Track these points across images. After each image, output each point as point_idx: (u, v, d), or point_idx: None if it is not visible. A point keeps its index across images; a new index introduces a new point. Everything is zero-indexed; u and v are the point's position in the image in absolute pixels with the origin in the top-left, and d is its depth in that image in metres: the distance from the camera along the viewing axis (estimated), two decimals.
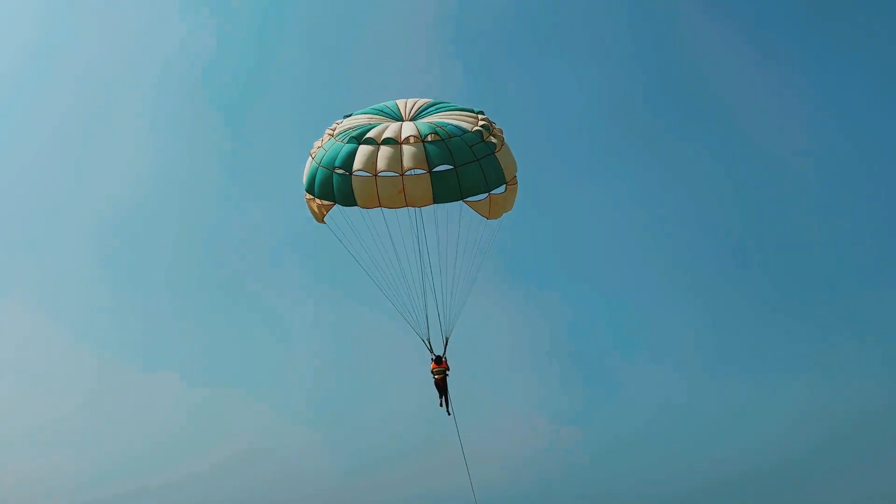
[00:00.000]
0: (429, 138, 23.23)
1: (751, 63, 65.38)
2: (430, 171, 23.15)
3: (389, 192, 23.17)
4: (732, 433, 50.20)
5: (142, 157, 65.28)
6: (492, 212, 24.64)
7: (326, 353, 56.22)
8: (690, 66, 65.88)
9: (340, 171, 23.50)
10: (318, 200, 24.46)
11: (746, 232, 60.64)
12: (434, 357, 26.10)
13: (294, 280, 60.35)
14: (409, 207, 23.65)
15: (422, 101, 25.22)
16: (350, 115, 25.04)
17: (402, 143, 23.12)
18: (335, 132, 24.28)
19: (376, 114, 24.83)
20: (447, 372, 26.40)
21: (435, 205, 23.73)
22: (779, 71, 64.63)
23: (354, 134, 23.64)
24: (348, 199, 23.60)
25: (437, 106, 25.20)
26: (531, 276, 59.65)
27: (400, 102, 25.17)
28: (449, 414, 26.63)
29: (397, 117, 24.70)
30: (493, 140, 24.05)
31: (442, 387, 26.58)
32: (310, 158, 24.58)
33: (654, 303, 58.33)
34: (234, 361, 56.21)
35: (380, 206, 23.50)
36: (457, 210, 24.28)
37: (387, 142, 23.17)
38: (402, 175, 23.06)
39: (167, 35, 67.43)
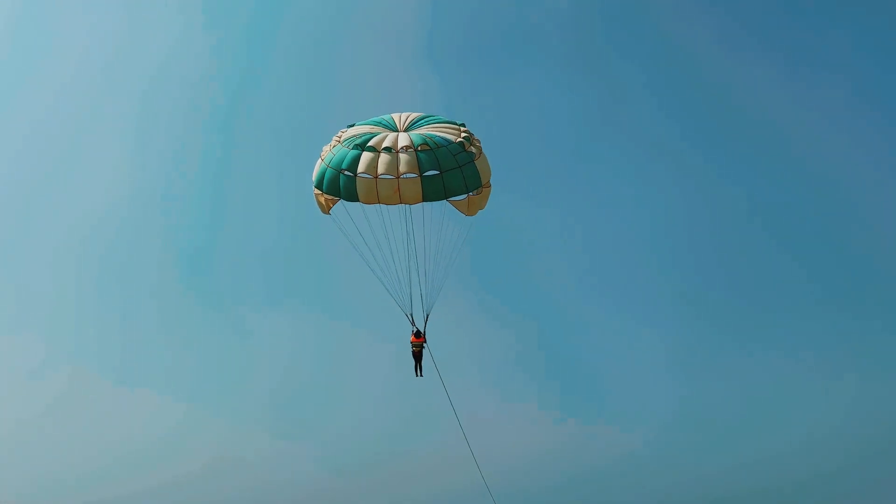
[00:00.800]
0: (420, 148, 26.67)
1: (737, 61, 66.36)
2: (420, 175, 26.43)
3: (387, 192, 26.46)
4: (737, 443, 48.71)
5: (121, 168, 65.03)
6: (469, 209, 28.33)
7: (300, 364, 56.86)
8: (675, 69, 67.14)
9: (346, 173, 26.86)
10: (325, 195, 27.78)
11: (748, 230, 60.88)
12: (415, 331, 29.66)
13: (266, 292, 61.39)
14: (403, 205, 26.93)
15: (413, 115, 28.43)
16: (353, 125, 28.26)
17: (398, 152, 26.47)
18: (342, 139, 27.50)
19: (375, 125, 28.04)
20: (424, 345, 29.87)
21: (424, 203, 27.02)
22: (767, 67, 65.39)
23: (358, 142, 26.93)
24: (352, 197, 26.88)
25: (427, 119, 28.46)
26: (531, 277, 60.08)
27: (395, 115, 28.40)
28: (421, 376, 30.09)
29: (393, 128, 27.90)
30: (473, 150, 27.59)
31: (418, 356, 30.10)
32: (319, 160, 27.81)
33: (655, 303, 58.26)
34: (208, 373, 56.69)
35: (378, 202, 26.75)
36: (441, 207, 27.62)
37: (386, 150, 26.57)
38: (397, 178, 26.39)
39: (148, 50, 67.04)
